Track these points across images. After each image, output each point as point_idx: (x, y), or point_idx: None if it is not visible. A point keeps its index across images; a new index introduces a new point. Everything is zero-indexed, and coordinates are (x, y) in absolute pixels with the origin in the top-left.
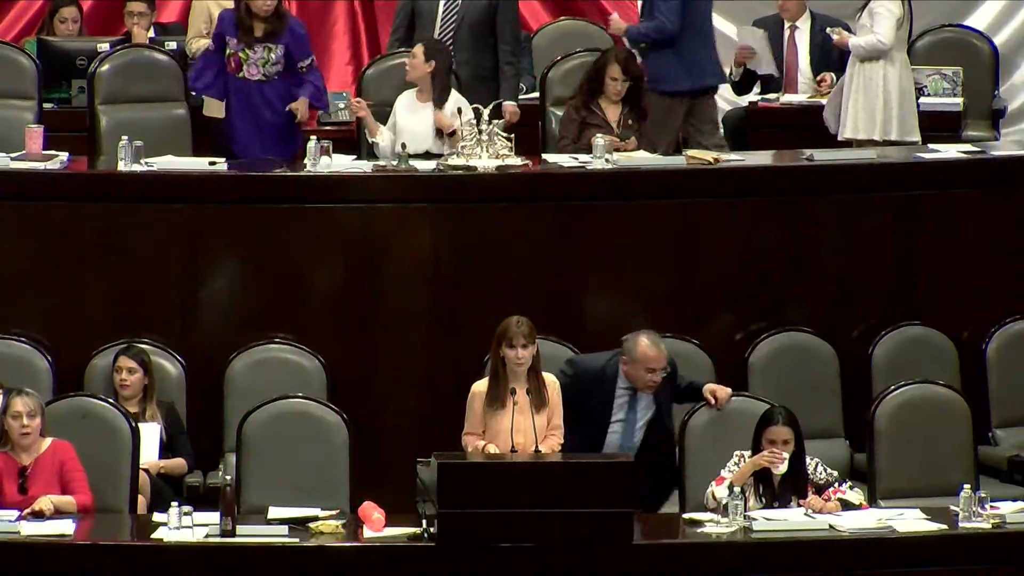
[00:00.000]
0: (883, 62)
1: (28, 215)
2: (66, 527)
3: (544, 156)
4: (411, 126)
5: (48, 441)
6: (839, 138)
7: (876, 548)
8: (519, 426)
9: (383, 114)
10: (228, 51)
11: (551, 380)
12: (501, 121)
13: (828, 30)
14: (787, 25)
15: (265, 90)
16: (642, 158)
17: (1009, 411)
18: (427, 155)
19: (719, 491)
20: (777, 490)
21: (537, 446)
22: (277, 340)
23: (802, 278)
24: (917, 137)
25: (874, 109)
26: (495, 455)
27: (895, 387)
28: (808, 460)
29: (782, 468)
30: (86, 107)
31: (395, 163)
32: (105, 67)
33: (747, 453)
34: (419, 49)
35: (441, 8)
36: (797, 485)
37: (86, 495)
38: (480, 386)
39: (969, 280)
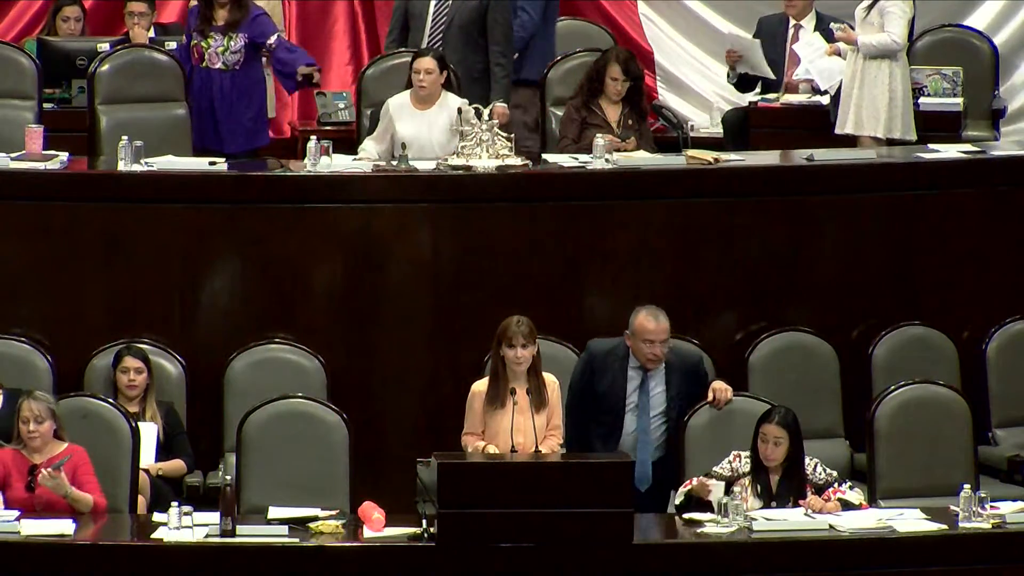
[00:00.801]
0: (889, 61)
1: (28, 215)
2: (66, 527)
3: (544, 156)
4: (416, 134)
5: (64, 445)
6: (836, 131)
7: (876, 548)
8: (519, 426)
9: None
10: (192, 43)
11: (551, 380)
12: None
13: (832, 25)
14: (792, 24)
15: (227, 81)
16: (642, 158)
17: (1009, 411)
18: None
19: (676, 497)
20: (775, 490)
21: (537, 446)
22: (277, 340)
23: (802, 278)
24: (914, 136)
25: (878, 107)
26: (495, 455)
27: (895, 387)
28: (807, 460)
29: (714, 495)
30: (86, 107)
31: (395, 163)
32: (105, 67)
33: (744, 453)
34: (431, 64)
35: (432, 9)
36: (795, 486)
37: (99, 499)
38: (480, 386)
39: (969, 280)
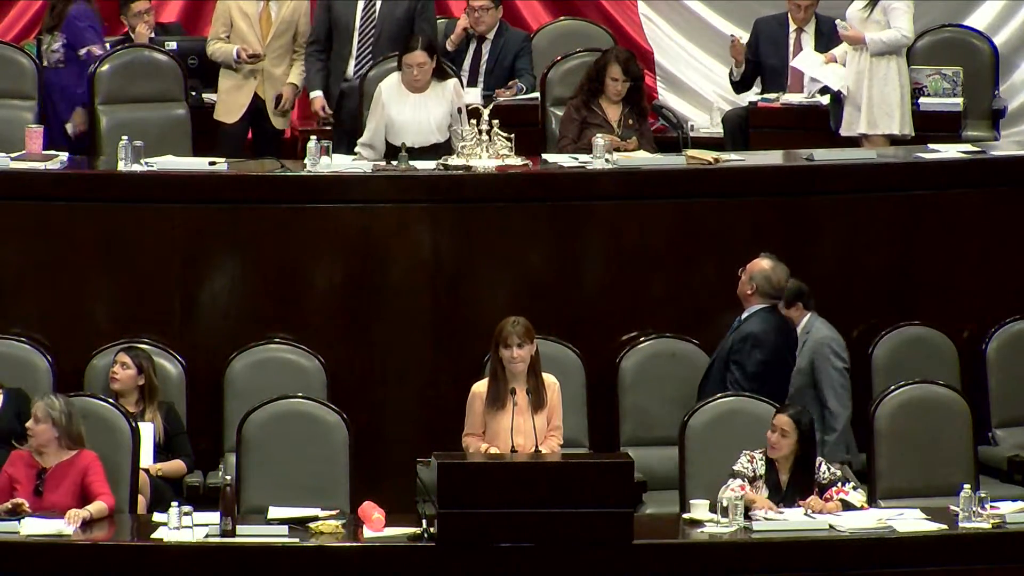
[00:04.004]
0: (896, 58)
1: (28, 215)
2: (66, 527)
3: (544, 156)
4: (411, 118)
5: (71, 453)
6: (846, 133)
7: (876, 548)
8: (519, 427)
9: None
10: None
11: (551, 381)
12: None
13: (837, 23)
14: (792, 28)
15: (53, 79)
16: (642, 158)
17: (1009, 411)
18: (433, 148)
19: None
20: (784, 491)
21: (537, 446)
22: (277, 340)
23: (802, 278)
24: (913, 132)
25: (891, 104)
26: (495, 455)
27: (895, 387)
28: None
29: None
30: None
31: (395, 163)
32: (105, 67)
33: (757, 454)
34: (423, 56)
35: (358, 20)
36: (805, 487)
37: (109, 497)
38: (480, 387)
39: (969, 280)
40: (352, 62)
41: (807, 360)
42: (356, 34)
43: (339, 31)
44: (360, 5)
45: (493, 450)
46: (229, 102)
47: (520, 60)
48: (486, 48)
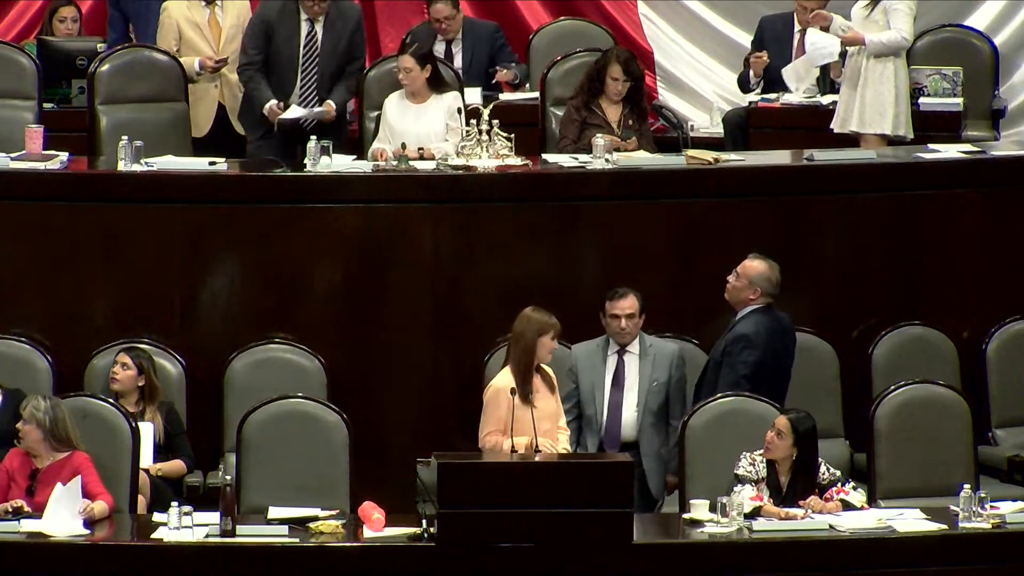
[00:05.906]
0: (894, 58)
1: (28, 215)
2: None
3: (544, 156)
4: (411, 129)
5: (64, 454)
6: (839, 130)
7: (876, 548)
8: (541, 414)
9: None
10: None
11: (547, 368)
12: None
13: (841, 22)
14: (797, 29)
15: None
16: (642, 158)
17: (1009, 411)
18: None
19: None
20: (785, 492)
21: (537, 446)
22: (277, 340)
23: (802, 278)
24: (912, 134)
25: (884, 104)
26: (493, 455)
27: (895, 387)
28: None
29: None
30: (86, 107)
31: (395, 163)
32: (105, 67)
33: (757, 455)
34: (409, 62)
35: (302, 53)
36: (806, 488)
37: (107, 497)
38: (502, 382)
39: (969, 280)
40: (296, 97)
41: (668, 373)
42: (300, 71)
43: (280, 62)
44: (303, 33)
45: (521, 440)
46: (195, 116)
47: (501, 53)
48: (456, 48)
